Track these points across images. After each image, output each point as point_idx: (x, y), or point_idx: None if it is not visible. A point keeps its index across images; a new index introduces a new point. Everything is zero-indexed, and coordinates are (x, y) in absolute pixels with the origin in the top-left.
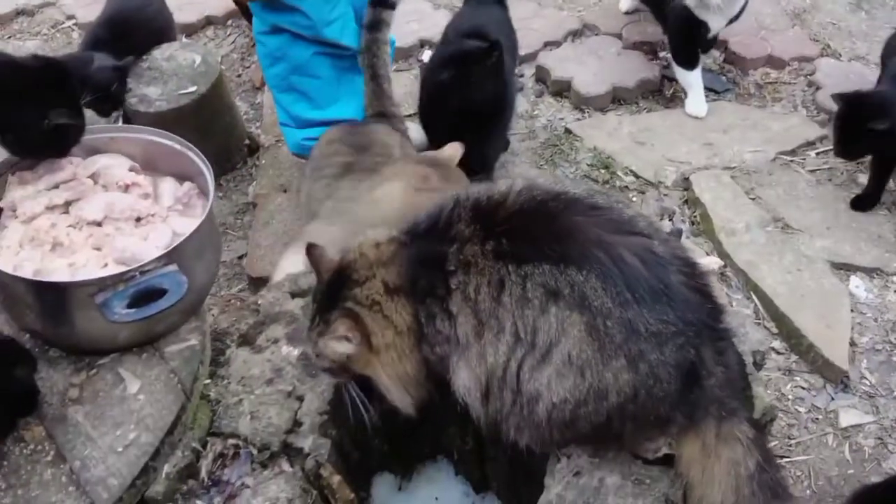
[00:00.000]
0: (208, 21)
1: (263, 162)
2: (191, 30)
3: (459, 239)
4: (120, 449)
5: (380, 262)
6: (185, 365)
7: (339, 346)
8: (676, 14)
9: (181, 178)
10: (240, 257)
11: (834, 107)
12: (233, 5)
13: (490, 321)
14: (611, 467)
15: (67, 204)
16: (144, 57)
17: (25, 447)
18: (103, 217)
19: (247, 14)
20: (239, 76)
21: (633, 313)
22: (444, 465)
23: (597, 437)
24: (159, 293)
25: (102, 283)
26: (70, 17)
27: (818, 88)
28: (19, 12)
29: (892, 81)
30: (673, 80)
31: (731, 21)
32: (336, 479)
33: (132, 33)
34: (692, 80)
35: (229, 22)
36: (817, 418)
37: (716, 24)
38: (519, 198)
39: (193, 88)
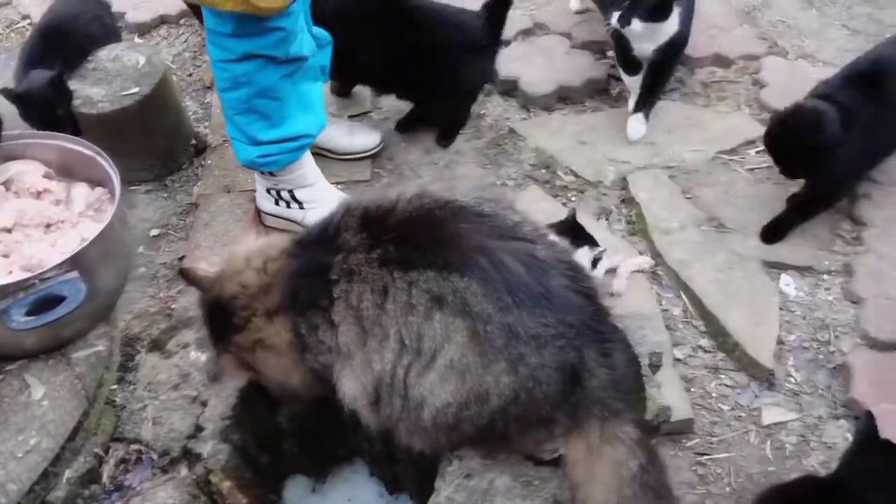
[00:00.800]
0: (162, 20)
1: (210, 162)
2: (144, 29)
3: (345, 248)
4: (20, 454)
5: (262, 289)
6: (90, 370)
7: (232, 381)
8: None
9: (94, 183)
10: (180, 258)
11: (776, 105)
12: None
13: (374, 329)
14: (502, 468)
15: None
16: (90, 58)
17: None
18: (13, 224)
19: (198, 14)
20: (190, 75)
21: (512, 318)
22: (360, 467)
23: (482, 439)
24: (58, 300)
25: (2, 292)
26: (25, 17)
27: (762, 87)
28: None
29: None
30: (619, 79)
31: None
32: (226, 484)
33: (67, 42)
34: (630, 85)
35: (182, 21)
36: (740, 416)
37: (640, 48)
38: (408, 206)
39: (136, 89)
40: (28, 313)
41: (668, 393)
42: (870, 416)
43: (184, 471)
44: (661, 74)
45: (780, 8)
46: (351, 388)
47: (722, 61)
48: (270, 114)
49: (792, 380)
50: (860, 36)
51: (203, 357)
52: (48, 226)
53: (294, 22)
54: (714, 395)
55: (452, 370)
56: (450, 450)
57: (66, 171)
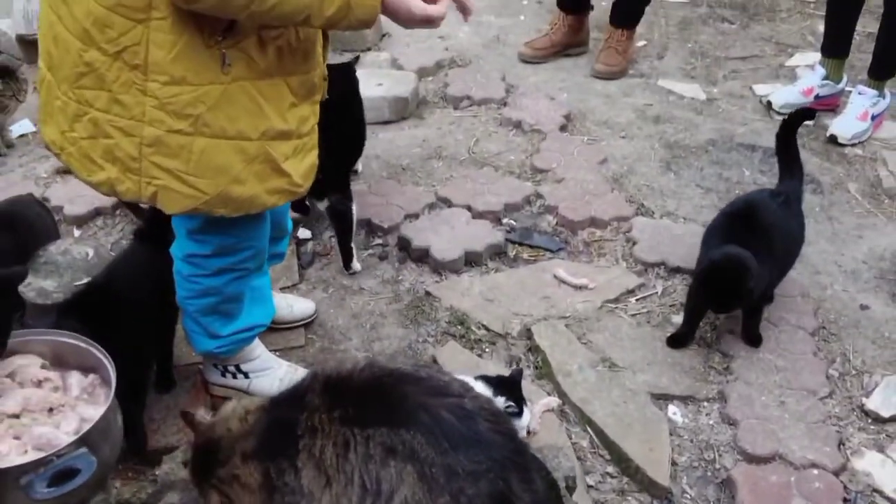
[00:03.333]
0: (97, 212)
1: None
2: (82, 221)
3: (310, 408)
4: None
5: (242, 435)
6: None
7: None
8: None
9: (86, 370)
10: None
11: (648, 258)
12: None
13: (339, 476)
14: None
15: None
16: (41, 252)
17: None
18: (21, 410)
19: (134, 210)
20: None
21: (451, 459)
22: None
23: None
24: (73, 472)
25: (25, 468)
26: None
27: (634, 243)
28: None
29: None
30: (514, 242)
31: None
32: None
33: (15, 237)
34: None
35: (117, 212)
36: None
37: None
38: (362, 374)
39: (87, 279)
40: (48, 486)
41: None
42: None
43: None
44: None
45: (643, 173)
46: None
47: (598, 223)
48: (231, 312)
49: (687, 496)
50: (712, 193)
51: None
52: (50, 410)
53: (265, 239)
54: None
55: None
56: None
57: (60, 361)
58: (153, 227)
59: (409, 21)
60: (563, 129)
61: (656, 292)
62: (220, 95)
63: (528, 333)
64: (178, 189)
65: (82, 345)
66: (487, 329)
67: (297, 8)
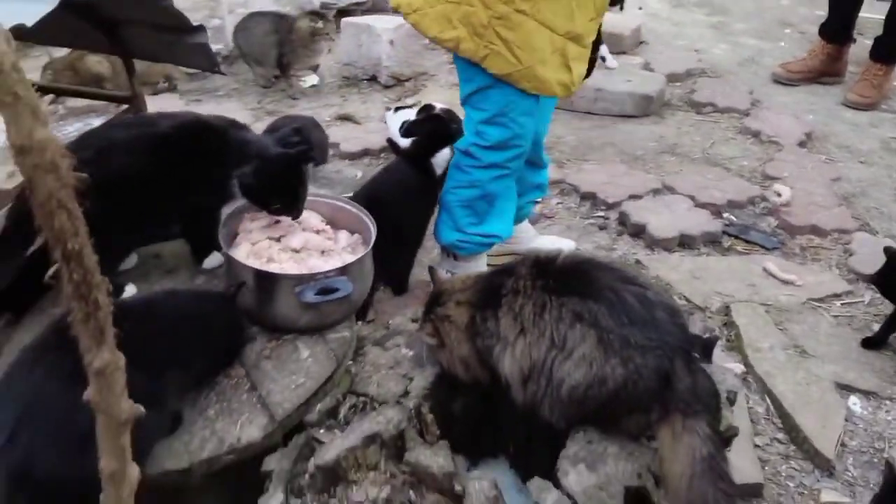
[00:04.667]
0: (366, 152)
1: None
2: (353, 157)
3: (516, 276)
4: (293, 387)
5: (460, 289)
6: (339, 347)
7: (427, 339)
8: None
9: (353, 231)
10: None
11: (862, 270)
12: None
13: (533, 329)
14: (613, 441)
15: (280, 238)
16: (321, 167)
17: (230, 380)
18: (301, 247)
19: (395, 150)
20: None
21: (627, 332)
22: (502, 461)
23: (600, 417)
24: (333, 290)
25: (301, 279)
26: None
27: (851, 255)
28: None
29: None
30: (731, 235)
31: None
32: (430, 416)
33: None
34: None
35: (382, 154)
36: (802, 493)
37: None
38: (565, 259)
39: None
40: (315, 294)
41: (743, 464)
42: (889, 467)
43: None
44: None
45: (875, 198)
46: (510, 366)
47: (819, 231)
48: (481, 213)
49: (849, 474)
50: None
51: (410, 353)
52: (322, 252)
53: (527, 145)
54: (783, 474)
55: (584, 361)
56: (578, 423)
57: (334, 221)
58: (418, 150)
59: None
60: (801, 144)
61: (863, 300)
62: None
63: (726, 311)
64: (505, 55)
65: (353, 210)
66: (688, 300)
67: None
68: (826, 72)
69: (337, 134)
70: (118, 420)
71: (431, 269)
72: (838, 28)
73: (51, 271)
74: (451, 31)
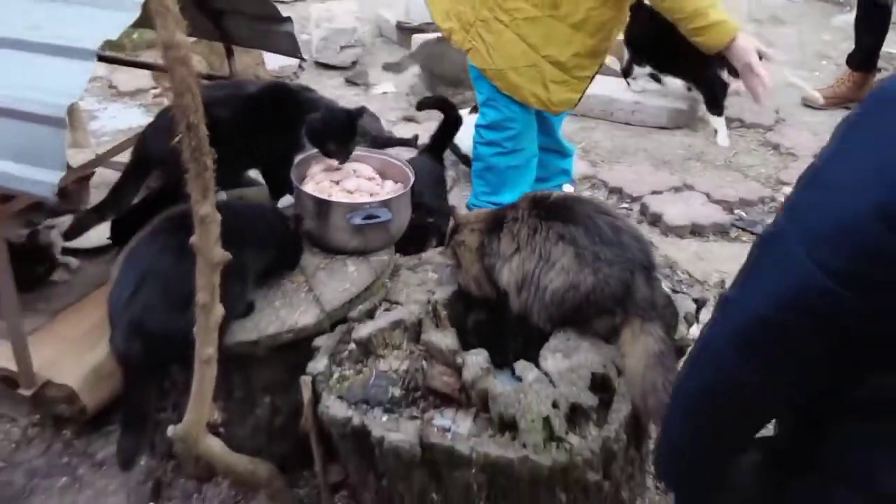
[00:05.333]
0: None
1: None
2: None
3: (518, 208)
4: (340, 290)
5: (473, 220)
6: (378, 265)
7: (448, 261)
8: None
9: (397, 181)
10: None
11: None
12: None
13: (525, 247)
14: (586, 339)
15: (338, 181)
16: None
17: (293, 284)
18: (354, 189)
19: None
20: None
21: (598, 249)
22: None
23: (576, 319)
24: (376, 217)
25: (352, 207)
26: None
27: None
28: None
29: None
30: (740, 228)
31: None
32: (444, 312)
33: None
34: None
35: None
36: None
37: None
38: (557, 196)
39: None
40: (363, 219)
41: None
42: None
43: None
44: None
45: None
46: (507, 278)
47: None
48: (493, 185)
49: None
50: None
51: (434, 276)
52: (371, 195)
53: (525, 130)
54: None
55: (563, 270)
56: (559, 324)
57: (383, 172)
58: (435, 142)
59: (742, 65)
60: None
61: None
62: (534, 18)
63: (722, 284)
64: (482, 53)
65: (398, 163)
66: (690, 275)
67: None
68: (853, 98)
69: (402, 131)
70: (212, 261)
71: (452, 208)
72: (863, 59)
73: (177, 139)
74: (448, 23)
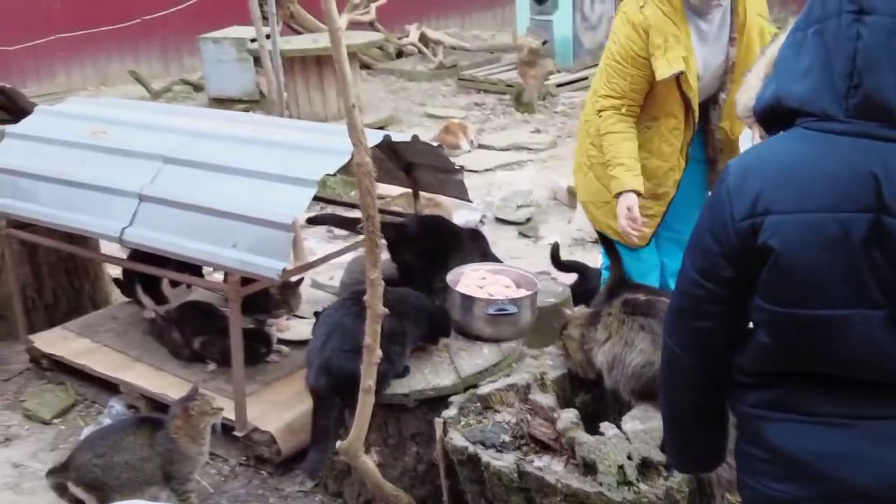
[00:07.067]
0: None
1: None
2: None
3: (612, 306)
4: (475, 364)
5: (578, 318)
6: (507, 350)
7: (559, 351)
8: None
9: (527, 288)
10: None
11: None
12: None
13: (614, 336)
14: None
15: (482, 287)
16: None
17: (439, 357)
18: (494, 292)
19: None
20: None
21: None
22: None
23: (650, 392)
24: (506, 310)
25: (489, 302)
26: None
27: None
28: None
29: None
30: None
31: None
32: (549, 380)
33: None
34: None
35: None
36: None
37: None
38: (643, 297)
39: None
40: (496, 311)
41: None
42: None
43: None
44: None
45: None
46: (602, 359)
47: None
48: None
49: None
50: None
51: (551, 362)
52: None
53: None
54: None
55: (641, 352)
56: (640, 397)
57: (518, 283)
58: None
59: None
60: None
61: None
62: (603, 163)
63: None
64: (580, 182)
65: (529, 276)
66: None
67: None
68: None
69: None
70: (376, 313)
71: (562, 311)
72: None
73: (361, 225)
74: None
